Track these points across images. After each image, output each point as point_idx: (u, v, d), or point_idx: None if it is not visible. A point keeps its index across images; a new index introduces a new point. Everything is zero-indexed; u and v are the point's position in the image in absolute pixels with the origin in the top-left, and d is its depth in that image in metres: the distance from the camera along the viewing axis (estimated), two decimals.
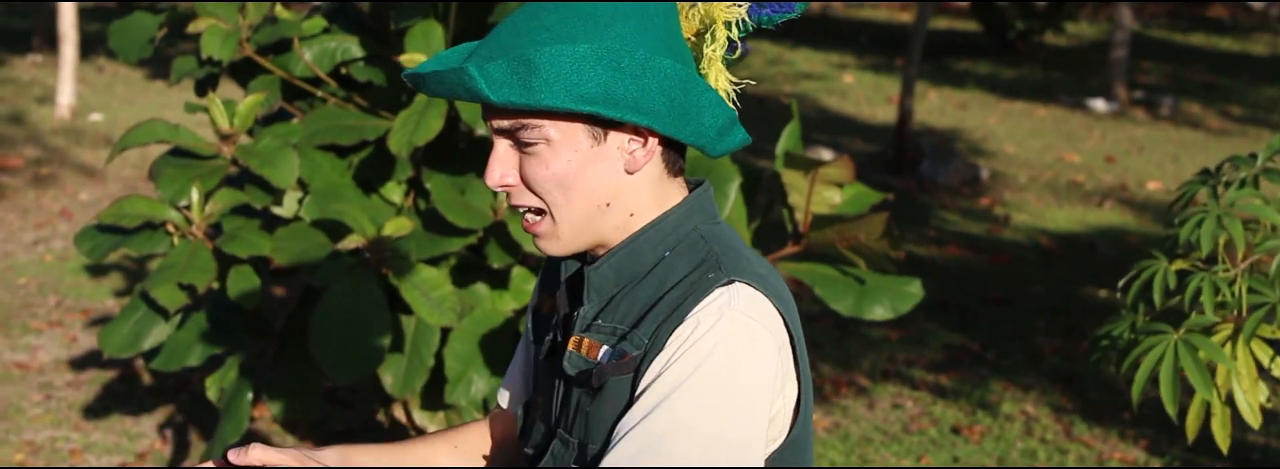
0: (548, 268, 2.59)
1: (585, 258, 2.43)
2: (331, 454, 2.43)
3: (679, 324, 2.23)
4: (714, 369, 2.21)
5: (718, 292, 2.24)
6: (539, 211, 2.31)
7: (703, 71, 2.35)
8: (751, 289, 2.27)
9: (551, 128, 2.24)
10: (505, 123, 2.25)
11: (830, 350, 7.97)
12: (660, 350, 2.24)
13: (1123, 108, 16.73)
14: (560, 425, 2.39)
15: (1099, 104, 16.78)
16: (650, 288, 2.32)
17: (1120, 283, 4.03)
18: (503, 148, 2.29)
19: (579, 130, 2.25)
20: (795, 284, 8.44)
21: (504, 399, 2.69)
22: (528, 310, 2.64)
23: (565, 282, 2.45)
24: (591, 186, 2.28)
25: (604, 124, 2.25)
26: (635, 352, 2.27)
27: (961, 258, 10.28)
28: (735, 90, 2.39)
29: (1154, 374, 3.69)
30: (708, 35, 2.35)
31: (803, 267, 4.89)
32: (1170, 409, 3.65)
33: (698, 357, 2.21)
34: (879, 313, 4.84)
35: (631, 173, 2.30)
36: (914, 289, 4.94)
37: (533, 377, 2.55)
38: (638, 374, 2.27)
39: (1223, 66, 20.17)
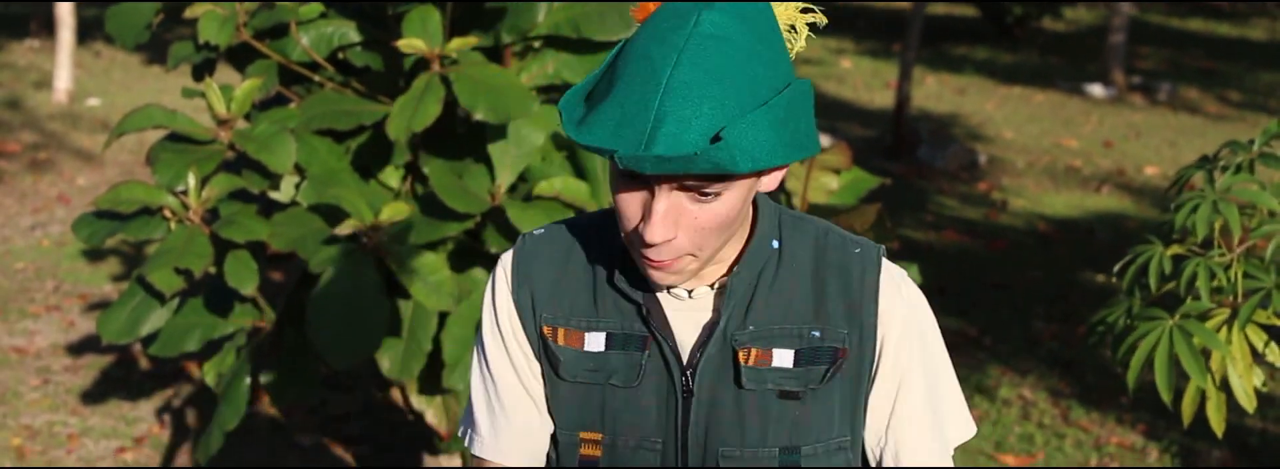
0: (526, 300, 2.41)
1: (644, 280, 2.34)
2: None
3: (877, 301, 2.31)
4: (933, 329, 2.41)
5: (883, 262, 2.37)
6: (692, 253, 2.20)
7: None
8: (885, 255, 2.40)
9: (736, 178, 2.14)
10: (692, 181, 2.11)
11: None
12: (875, 332, 2.34)
13: (1120, 93, 16.73)
14: (721, 444, 2.34)
15: (1097, 89, 16.78)
16: (788, 281, 2.33)
17: (1116, 267, 4.03)
18: (674, 202, 2.14)
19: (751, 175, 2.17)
20: None
21: (521, 455, 2.49)
22: (502, 357, 2.45)
23: (629, 300, 2.34)
24: (742, 218, 2.23)
25: None
26: (843, 344, 2.33)
27: (959, 243, 10.28)
28: None
29: (1149, 360, 3.70)
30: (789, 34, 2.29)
31: None
32: (1165, 396, 3.65)
33: (922, 323, 2.38)
34: None
35: (767, 192, 2.28)
36: (911, 274, 4.93)
37: (595, 411, 2.38)
38: (862, 360, 2.33)
39: (1221, 52, 20.17)
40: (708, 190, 2.12)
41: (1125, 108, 16.12)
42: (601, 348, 2.36)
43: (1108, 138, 14.40)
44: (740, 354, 2.31)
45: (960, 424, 2.43)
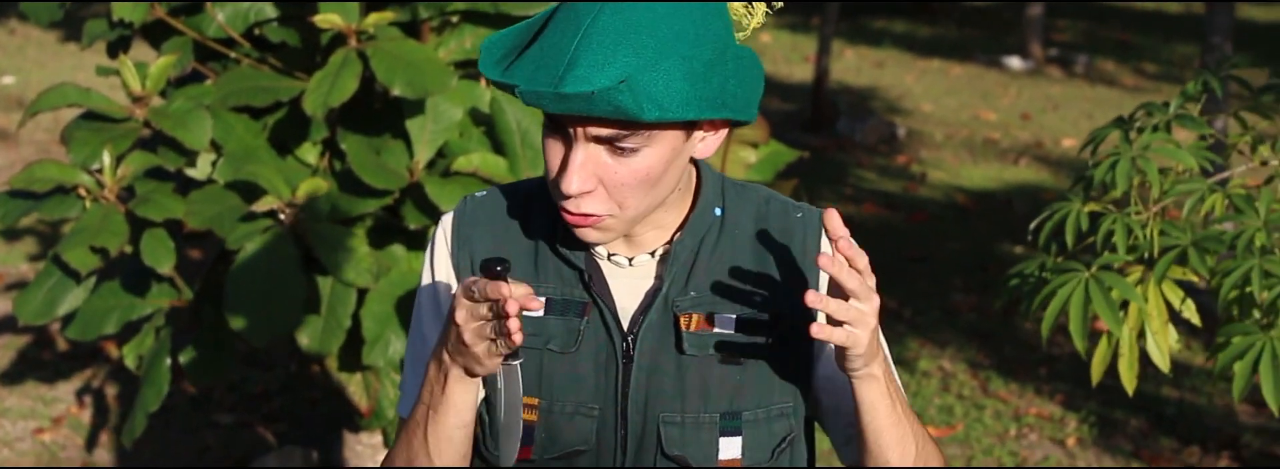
0: (464, 264, 2.41)
1: (591, 247, 2.35)
2: None
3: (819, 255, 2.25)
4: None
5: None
6: (614, 208, 2.22)
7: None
8: None
9: (657, 132, 2.16)
10: (607, 132, 2.14)
11: None
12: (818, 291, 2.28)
13: (1038, 65, 16.81)
14: (662, 409, 2.34)
15: (1014, 62, 16.86)
16: (731, 247, 2.35)
17: (1032, 224, 4.06)
18: (589, 154, 2.17)
19: (677, 130, 2.18)
20: None
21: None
22: (438, 317, 2.43)
23: (570, 265, 2.35)
24: (671, 179, 2.23)
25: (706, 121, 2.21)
26: (782, 309, 2.34)
27: (878, 216, 10.32)
28: None
29: (1064, 311, 3.72)
30: (745, 9, 2.31)
31: None
32: (1079, 345, 3.68)
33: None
34: None
35: (697, 157, 2.28)
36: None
37: (533, 377, 2.35)
38: (804, 325, 2.25)
39: (1137, 24, 20.29)
40: (623, 144, 2.14)
41: (1043, 80, 16.21)
42: (541, 313, 2.35)
43: (1025, 110, 14.48)
44: (682, 320, 2.32)
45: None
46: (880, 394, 2.29)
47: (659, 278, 2.35)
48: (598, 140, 2.15)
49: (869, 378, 2.27)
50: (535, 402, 2.37)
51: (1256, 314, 3.71)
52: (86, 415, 6.52)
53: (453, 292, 2.41)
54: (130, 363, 4.79)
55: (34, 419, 6.47)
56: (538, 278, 2.37)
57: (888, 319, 8.01)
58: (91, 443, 6.28)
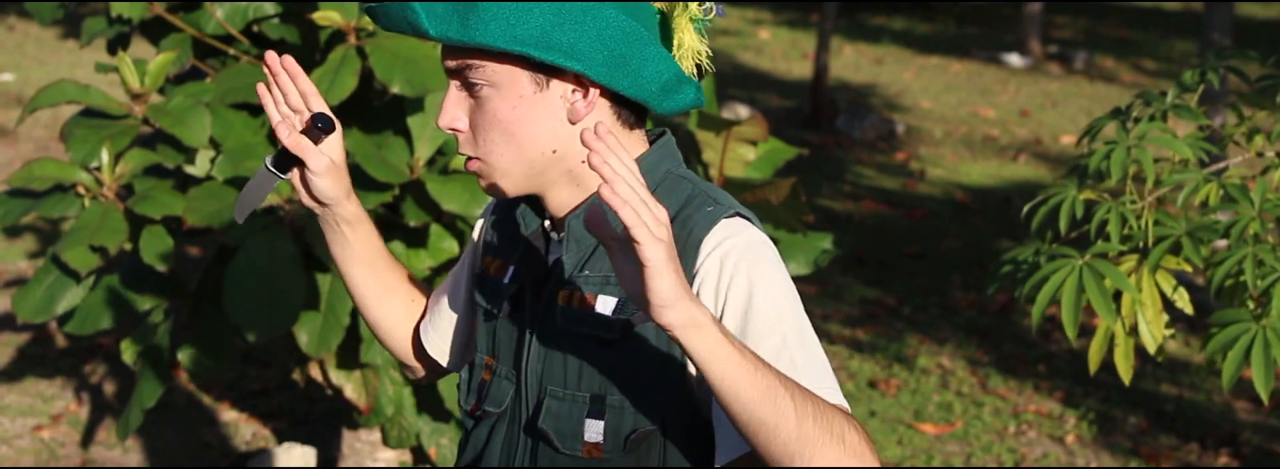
0: (488, 228, 2.60)
1: (543, 213, 2.44)
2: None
3: (697, 255, 2.27)
4: (767, 288, 2.26)
5: (725, 221, 2.30)
6: (481, 159, 2.33)
7: (677, 33, 2.35)
8: (751, 224, 2.34)
9: (494, 71, 2.25)
10: (453, 63, 2.29)
11: None
12: (696, 282, 2.27)
13: (1037, 62, 16.81)
14: (550, 382, 2.38)
15: (1014, 59, 16.86)
16: None
17: (1026, 208, 4.06)
18: (454, 91, 2.31)
19: (522, 76, 2.26)
20: None
21: (426, 338, 2.71)
22: (461, 269, 2.66)
23: (528, 237, 2.45)
24: (534, 133, 2.29)
25: (545, 70, 2.26)
26: None
27: (877, 213, 10.32)
28: (707, 56, 2.39)
29: (1056, 299, 3.72)
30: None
31: None
32: (1070, 332, 3.67)
33: (749, 269, 2.26)
34: (794, 268, 4.85)
35: (573, 122, 2.30)
36: (829, 244, 4.96)
37: (489, 338, 2.52)
38: None
39: (1136, 21, 20.29)
40: (469, 79, 2.28)
41: (1042, 77, 16.21)
42: (508, 280, 2.49)
43: (1024, 107, 14.48)
44: (561, 295, 2.36)
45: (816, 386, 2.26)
46: (716, 342, 2.05)
47: (535, 258, 2.45)
48: (451, 74, 2.31)
49: (693, 327, 2.03)
50: (492, 362, 2.51)
51: (1250, 304, 3.70)
52: (85, 412, 6.52)
53: (471, 253, 2.66)
54: (128, 359, 4.78)
55: (33, 416, 6.47)
56: (514, 248, 2.50)
57: (886, 315, 8.01)
58: (90, 440, 6.28)
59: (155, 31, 4.84)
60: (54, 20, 4.92)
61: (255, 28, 4.79)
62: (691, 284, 2.28)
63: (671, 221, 2.23)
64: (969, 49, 17.77)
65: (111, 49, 4.86)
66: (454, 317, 2.67)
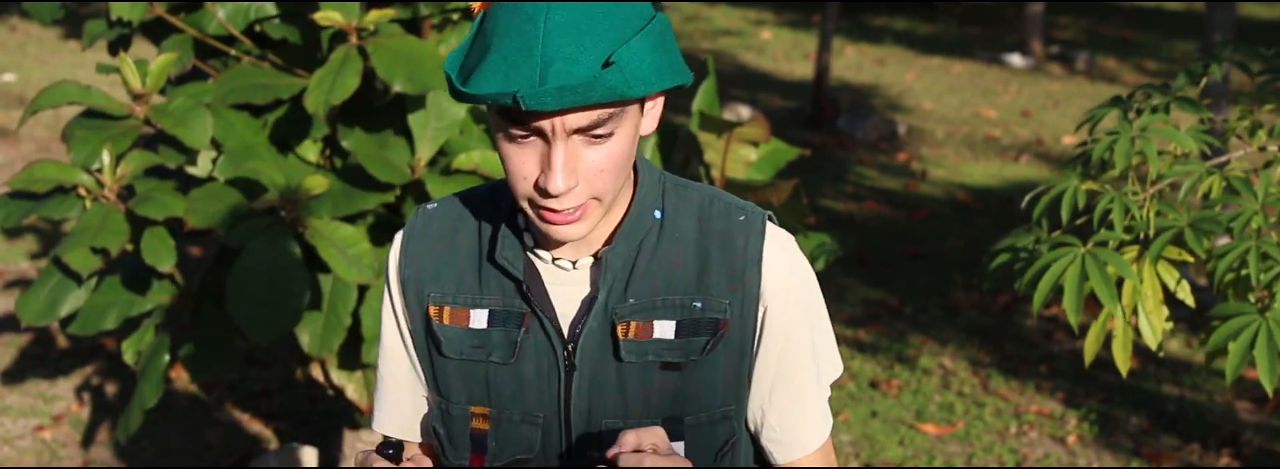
0: (413, 280, 2.43)
1: (528, 253, 2.36)
2: None
3: (760, 269, 2.31)
4: (817, 295, 2.41)
5: (768, 229, 2.35)
6: (595, 198, 2.21)
7: None
8: (774, 222, 2.40)
9: (628, 111, 2.16)
10: (585, 120, 2.12)
11: None
12: (758, 301, 2.32)
13: (1039, 63, 16.80)
14: (605, 416, 2.35)
15: (1015, 59, 16.85)
16: (670, 251, 2.33)
17: (1026, 198, 4.06)
18: (570, 148, 2.15)
19: (635, 107, 2.19)
20: None
21: (396, 427, 2.55)
22: (394, 337, 2.50)
23: (517, 277, 2.34)
24: (631, 158, 2.22)
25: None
26: (724, 315, 2.31)
27: (879, 213, 10.32)
28: None
29: (1057, 287, 3.71)
30: None
31: None
32: (1073, 319, 3.67)
33: (807, 291, 2.37)
34: None
35: (645, 135, 2.27)
36: (831, 245, 4.95)
37: (478, 387, 2.40)
38: (745, 329, 2.32)
39: (1137, 21, 20.28)
40: (600, 131, 2.13)
41: (1044, 77, 16.20)
42: (485, 325, 2.37)
43: (1026, 107, 14.47)
44: (619, 328, 2.31)
45: (832, 367, 2.47)
46: None
47: (594, 285, 2.34)
48: (577, 132, 2.14)
49: None
50: (485, 410, 2.40)
51: (1252, 298, 3.70)
52: (87, 413, 6.52)
53: (399, 316, 2.48)
54: (129, 359, 4.79)
55: (34, 417, 6.47)
56: (481, 289, 2.37)
57: (889, 316, 8.01)
58: (92, 441, 6.28)
59: (157, 32, 4.84)
60: (55, 21, 4.91)
61: (257, 28, 4.79)
62: (756, 300, 2.33)
63: (706, 237, 2.31)
64: (971, 49, 17.76)
65: (113, 50, 4.86)
66: (406, 383, 2.52)
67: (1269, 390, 3.51)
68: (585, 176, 2.16)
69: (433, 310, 2.39)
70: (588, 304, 2.34)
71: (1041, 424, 6.68)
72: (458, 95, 2.14)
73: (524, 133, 2.14)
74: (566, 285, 2.36)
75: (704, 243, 2.33)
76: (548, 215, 2.20)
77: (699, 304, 2.31)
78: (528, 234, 2.35)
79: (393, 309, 2.47)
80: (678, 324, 2.31)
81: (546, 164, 2.15)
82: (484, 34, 2.14)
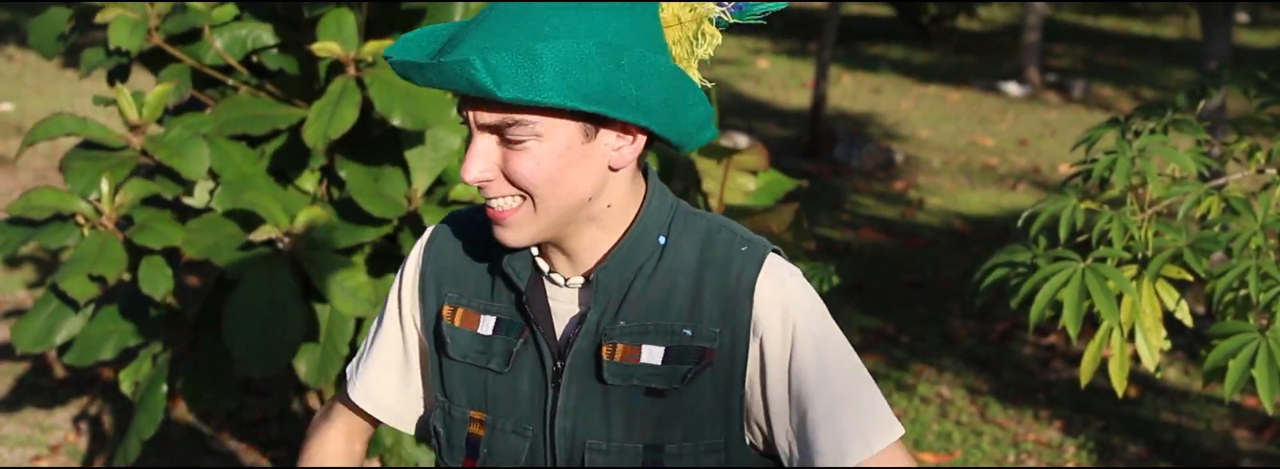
0: (431, 275, 2.50)
1: (535, 264, 2.39)
2: None
3: (752, 300, 2.29)
4: (828, 328, 2.34)
5: (768, 260, 2.32)
6: (519, 196, 2.25)
7: (683, 68, 2.30)
8: (784, 259, 2.37)
9: (546, 124, 2.19)
10: (492, 118, 2.19)
11: None
12: (748, 332, 2.30)
13: (1035, 91, 16.83)
14: (588, 436, 2.36)
15: (1012, 87, 16.87)
16: (668, 277, 2.33)
17: (1023, 215, 4.06)
18: (485, 144, 2.22)
19: (571, 127, 2.20)
20: None
21: (364, 397, 2.62)
22: (393, 322, 2.57)
23: (521, 287, 2.38)
24: (577, 182, 2.24)
25: (597, 121, 2.21)
26: (712, 344, 2.30)
27: (876, 241, 10.32)
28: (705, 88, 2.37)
29: (1055, 302, 3.71)
30: (691, 32, 2.32)
31: None
32: (1072, 329, 3.66)
33: (811, 323, 2.31)
34: None
35: (616, 170, 2.27)
36: (828, 274, 4.96)
37: (477, 392, 2.44)
38: (734, 360, 2.30)
39: (1134, 49, 20.32)
40: (510, 135, 2.19)
41: (1040, 106, 16.22)
42: (490, 332, 2.40)
43: (1023, 136, 14.49)
44: (604, 349, 2.32)
45: (883, 425, 2.38)
46: None
47: (584, 305, 2.36)
48: (487, 129, 2.21)
49: None
50: (482, 416, 2.43)
51: (1252, 318, 3.70)
52: (84, 443, 6.51)
53: (406, 306, 2.54)
54: (126, 389, 4.78)
55: (32, 446, 6.46)
56: (493, 296, 2.42)
57: (885, 345, 8.01)
58: None
59: (154, 62, 4.85)
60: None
61: (254, 58, 4.80)
62: (747, 331, 2.31)
63: (706, 267, 2.30)
64: (967, 78, 17.79)
65: (111, 80, 4.87)
66: (414, 374, 2.60)
67: (1269, 407, 3.51)
68: (512, 176, 2.22)
69: (447, 310, 2.44)
70: (578, 323, 2.36)
71: (1039, 453, 6.67)
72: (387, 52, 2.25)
73: (467, 125, 2.24)
74: (566, 303, 2.38)
75: (703, 271, 2.33)
76: (488, 211, 2.28)
77: (689, 332, 2.31)
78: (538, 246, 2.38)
79: (400, 298, 2.54)
80: (666, 351, 2.31)
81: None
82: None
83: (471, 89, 2.13)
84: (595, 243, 2.34)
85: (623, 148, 2.26)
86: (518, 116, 2.18)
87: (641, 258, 2.33)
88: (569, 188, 2.24)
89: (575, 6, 2.15)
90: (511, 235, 2.27)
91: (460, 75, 2.12)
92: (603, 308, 2.33)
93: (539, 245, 2.37)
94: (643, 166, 2.38)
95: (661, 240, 2.35)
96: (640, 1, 2.22)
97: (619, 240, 2.33)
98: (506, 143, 2.21)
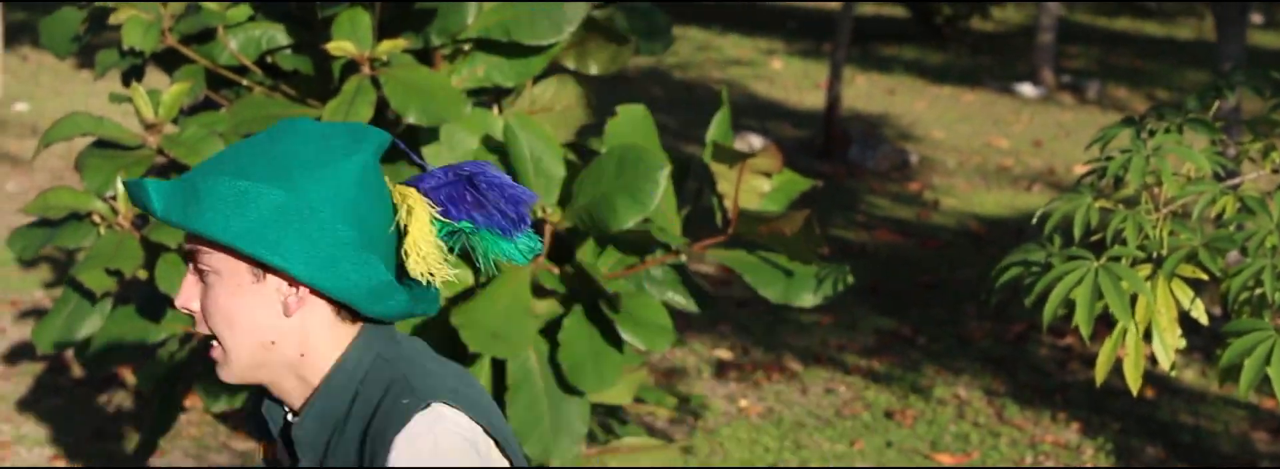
0: (253, 412, 2.53)
1: (281, 405, 2.43)
2: None
3: (388, 454, 2.25)
4: None
5: (417, 418, 2.26)
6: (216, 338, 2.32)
7: (407, 247, 2.32)
8: (448, 408, 2.28)
9: (218, 259, 2.26)
10: (187, 246, 2.30)
11: (761, 336, 7.98)
12: None
13: (1050, 92, 16.81)
14: None
15: (1026, 89, 16.85)
16: (356, 427, 2.32)
17: (1037, 214, 4.05)
18: (190, 273, 2.32)
19: (242, 268, 2.27)
20: (724, 271, 8.45)
21: None
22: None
23: (279, 435, 2.44)
24: (252, 324, 2.29)
25: (261, 264, 2.26)
26: None
27: (891, 243, 10.31)
28: (447, 263, 2.36)
29: (1068, 301, 3.70)
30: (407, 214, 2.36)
31: (731, 254, 4.89)
32: (1084, 329, 3.65)
33: None
34: (808, 299, 4.84)
35: (288, 316, 2.30)
36: (843, 275, 4.95)
37: None
38: None
39: (1148, 51, 20.29)
40: (200, 267, 2.29)
41: (1055, 107, 16.21)
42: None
43: (1038, 137, 14.47)
44: None
45: None
46: None
47: (290, 455, 2.43)
48: (186, 257, 2.32)
49: None
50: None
51: (1267, 316, 3.69)
52: (103, 443, 6.52)
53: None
54: (143, 387, 4.78)
55: (50, 446, 6.47)
56: (268, 433, 2.52)
57: (901, 346, 8.00)
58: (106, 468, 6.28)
59: (169, 62, 4.85)
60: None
61: (269, 58, 4.80)
62: None
63: (374, 415, 2.29)
64: (981, 79, 17.76)
65: (125, 81, 4.87)
66: None
67: None
68: (204, 312, 2.33)
69: (264, 445, 2.54)
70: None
71: (1057, 454, 6.66)
72: None
73: None
74: None
75: (370, 422, 2.31)
76: None
77: None
78: None
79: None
80: None
81: None
82: None
83: (142, 207, 2.25)
84: (297, 392, 2.37)
85: (289, 296, 2.30)
86: (197, 246, 2.28)
87: (339, 409, 2.34)
88: (243, 329, 2.30)
89: (270, 154, 2.25)
90: (221, 373, 2.35)
91: (135, 195, 2.25)
92: (308, 459, 2.37)
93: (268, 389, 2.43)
94: (362, 318, 2.37)
95: (359, 389, 2.34)
96: (349, 163, 2.30)
97: (311, 395, 2.36)
98: (197, 273, 2.31)
